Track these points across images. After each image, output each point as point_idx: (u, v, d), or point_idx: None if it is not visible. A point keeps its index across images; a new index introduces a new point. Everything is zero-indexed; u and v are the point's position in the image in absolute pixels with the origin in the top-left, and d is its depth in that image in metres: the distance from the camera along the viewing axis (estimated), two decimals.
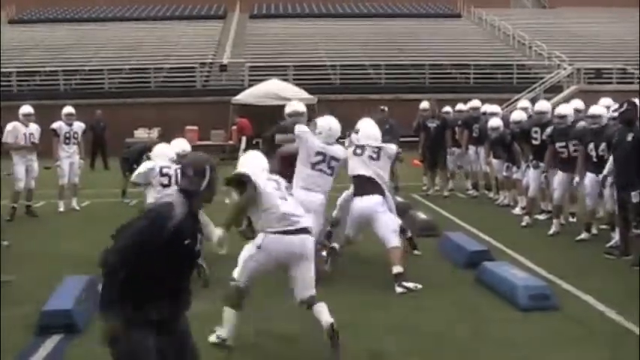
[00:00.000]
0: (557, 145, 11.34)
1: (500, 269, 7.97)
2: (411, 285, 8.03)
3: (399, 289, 7.94)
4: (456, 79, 33.45)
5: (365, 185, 8.59)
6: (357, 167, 8.74)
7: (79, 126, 15.43)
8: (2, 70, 32.59)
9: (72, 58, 35.67)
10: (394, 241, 8.24)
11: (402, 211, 13.13)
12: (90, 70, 33.86)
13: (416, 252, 9.84)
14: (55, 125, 15.01)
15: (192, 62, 34.33)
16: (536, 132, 12.34)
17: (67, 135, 15.02)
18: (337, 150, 8.61)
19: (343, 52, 36.23)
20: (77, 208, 15.14)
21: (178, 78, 33.67)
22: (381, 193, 8.48)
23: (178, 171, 7.81)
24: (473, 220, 12.59)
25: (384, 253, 8.44)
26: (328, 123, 8.69)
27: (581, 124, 11.12)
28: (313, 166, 8.38)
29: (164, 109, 30.89)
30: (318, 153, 8.45)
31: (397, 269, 8.07)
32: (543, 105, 12.94)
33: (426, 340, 6.51)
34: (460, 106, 17.17)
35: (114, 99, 30.94)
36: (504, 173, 14.07)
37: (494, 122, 14.09)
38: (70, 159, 14.99)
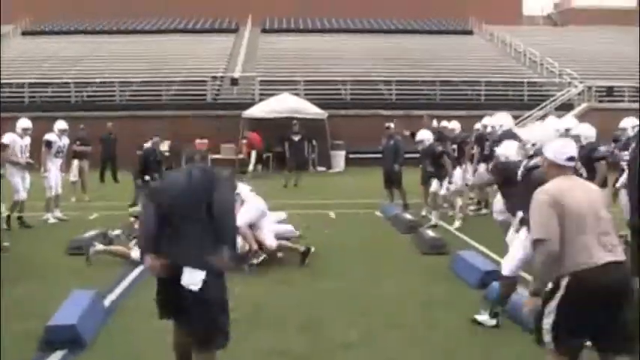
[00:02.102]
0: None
1: None
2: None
3: None
4: (466, 95, 33.39)
5: None
6: None
7: (66, 140, 15.85)
8: (14, 81, 32.83)
9: (84, 70, 35.81)
10: None
11: (411, 228, 13.16)
12: (101, 82, 33.97)
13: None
14: (50, 137, 15.16)
15: (203, 75, 34.39)
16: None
17: (59, 149, 15.28)
18: None
19: (354, 68, 36.25)
20: (64, 217, 15.29)
21: (190, 91, 33.74)
22: None
23: None
24: (482, 238, 12.38)
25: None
26: None
27: None
28: None
29: (175, 122, 30.89)
30: None
31: None
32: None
33: (437, 358, 6.50)
34: (478, 126, 16.54)
35: (125, 111, 30.98)
36: None
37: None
38: (57, 171, 15.20)
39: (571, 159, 5.05)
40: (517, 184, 7.65)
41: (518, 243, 7.32)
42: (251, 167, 26.59)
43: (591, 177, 9.45)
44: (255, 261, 10.15)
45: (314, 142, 29.78)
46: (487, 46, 43.03)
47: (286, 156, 24.29)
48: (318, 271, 10.03)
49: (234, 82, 34.00)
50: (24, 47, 41.29)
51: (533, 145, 7.82)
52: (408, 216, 14.41)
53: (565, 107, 30.68)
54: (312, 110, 29.92)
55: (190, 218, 5.21)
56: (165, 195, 5.37)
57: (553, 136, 7.76)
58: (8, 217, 13.83)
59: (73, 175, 18.55)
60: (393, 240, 12.82)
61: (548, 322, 4.67)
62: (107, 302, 8.24)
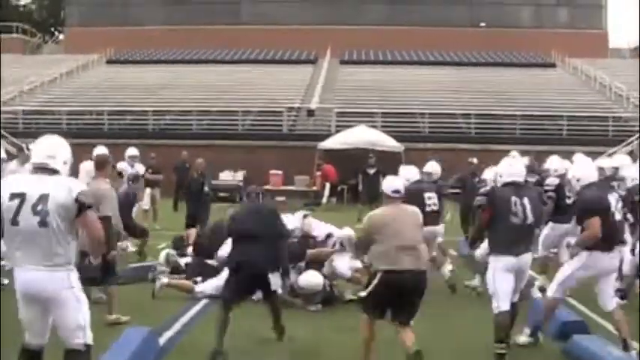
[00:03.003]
0: None
1: (593, 344, 7.20)
2: None
3: None
4: (548, 130, 32.46)
5: None
6: None
7: (139, 167, 15.92)
8: (95, 108, 33.42)
9: (163, 99, 36.18)
10: None
11: (486, 269, 12.45)
12: (179, 111, 34.23)
13: None
14: (121, 165, 14.98)
15: (280, 106, 34.30)
16: None
17: (130, 177, 15.08)
18: None
19: (433, 100, 35.70)
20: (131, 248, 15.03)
21: (266, 122, 33.69)
22: None
23: None
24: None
25: None
26: None
27: None
28: None
29: (250, 152, 30.86)
30: None
31: None
32: None
33: None
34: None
35: (201, 140, 31.06)
36: None
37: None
38: None
39: (396, 192, 7.39)
40: None
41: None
42: (324, 199, 26.25)
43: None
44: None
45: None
46: (570, 79, 41.87)
47: (360, 189, 23.82)
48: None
49: (310, 113, 33.82)
50: (106, 75, 42.05)
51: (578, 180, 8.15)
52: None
53: None
54: (388, 143, 29.45)
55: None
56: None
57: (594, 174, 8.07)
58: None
59: (145, 204, 18.45)
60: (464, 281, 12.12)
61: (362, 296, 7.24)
62: (163, 340, 7.90)
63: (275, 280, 8.18)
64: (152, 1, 50.89)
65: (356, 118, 32.01)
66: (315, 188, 27.75)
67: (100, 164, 9.69)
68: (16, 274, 5.43)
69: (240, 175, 29.33)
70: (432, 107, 34.21)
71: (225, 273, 9.74)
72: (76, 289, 5.48)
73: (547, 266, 11.69)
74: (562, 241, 11.06)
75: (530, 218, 7.52)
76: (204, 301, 10.10)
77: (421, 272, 7.09)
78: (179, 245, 13.33)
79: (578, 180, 7.93)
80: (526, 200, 7.54)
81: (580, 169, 8.12)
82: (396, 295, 6.97)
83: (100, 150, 14.36)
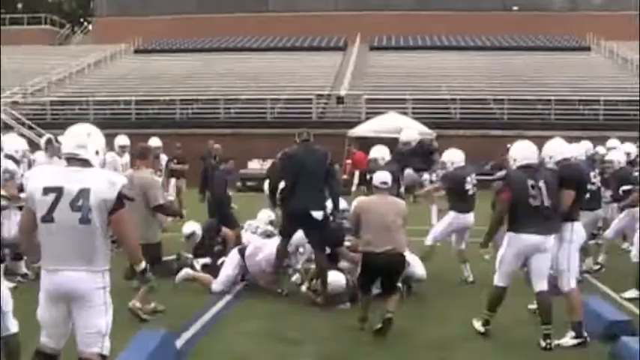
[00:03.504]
0: None
1: None
2: None
3: None
4: (584, 115, 31.67)
5: None
6: None
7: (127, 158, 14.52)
8: (122, 98, 33.22)
9: (190, 88, 35.90)
10: None
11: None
12: (207, 100, 33.89)
13: None
14: (110, 156, 13.90)
15: (309, 93, 33.80)
16: None
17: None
18: None
19: (464, 86, 35.02)
20: None
21: (295, 109, 33.24)
22: None
23: None
24: (607, 277, 10.84)
25: None
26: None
27: None
28: None
29: (278, 141, 30.29)
30: None
31: None
32: None
33: None
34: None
35: (229, 129, 30.66)
36: None
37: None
38: None
39: (384, 183, 8.42)
40: None
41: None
42: (354, 187, 25.68)
43: None
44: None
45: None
46: (606, 63, 40.93)
47: None
48: (417, 315, 8.90)
49: (340, 100, 33.29)
50: (134, 65, 41.93)
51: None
52: None
53: None
54: (420, 130, 28.88)
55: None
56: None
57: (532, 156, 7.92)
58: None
59: (170, 195, 18.04)
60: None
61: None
62: (180, 343, 7.45)
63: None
64: None
65: (386, 105, 31.41)
66: (345, 177, 27.17)
67: (143, 154, 9.53)
68: (48, 275, 4.96)
69: (268, 164, 28.83)
70: (463, 93, 33.56)
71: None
72: (108, 290, 5.04)
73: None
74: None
75: (547, 201, 7.45)
76: (225, 299, 9.62)
77: (397, 254, 8.11)
78: (211, 234, 12.55)
79: (514, 160, 7.78)
80: (542, 183, 7.48)
81: (516, 150, 7.86)
82: (377, 273, 8.22)
83: (123, 140, 13.99)
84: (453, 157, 11.12)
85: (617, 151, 12.31)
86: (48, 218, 4.87)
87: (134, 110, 33.14)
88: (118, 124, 28.21)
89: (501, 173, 8.98)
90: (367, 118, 30.80)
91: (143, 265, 5.26)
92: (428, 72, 37.86)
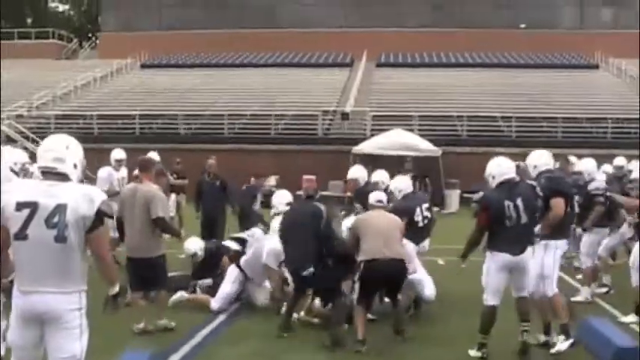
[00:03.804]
0: None
1: None
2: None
3: None
4: (591, 133, 31.38)
5: None
6: None
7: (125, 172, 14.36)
8: (126, 112, 33.12)
9: (195, 103, 35.80)
10: None
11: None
12: (211, 115, 33.74)
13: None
14: (105, 170, 13.63)
15: (314, 110, 33.60)
16: None
17: (109, 193, 13.80)
18: None
19: (471, 103, 34.76)
20: None
21: (299, 125, 33.04)
22: None
23: None
24: (617, 300, 10.36)
25: None
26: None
27: None
28: None
29: (283, 157, 30.19)
30: None
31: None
32: None
33: None
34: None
35: (233, 144, 30.47)
36: None
37: None
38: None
39: (379, 201, 8.91)
40: None
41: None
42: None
43: None
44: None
45: (427, 181, 28.36)
46: (614, 81, 40.65)
47: None
48: (424, 336, 8.62)
49: (344, 116, 33.09)
50: (139, 80, 41.82)
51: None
52: None
53: None
54: (425, 147, 28.65)
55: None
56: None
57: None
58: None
59: (170, 211, 17.77)
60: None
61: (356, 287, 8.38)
62: None
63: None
64: (187, 5, 50.59)
65: (391, 122, 31.20)
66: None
67: (144, 167, 9.39)
68: (19, 296, 4.65)
69: (272, 180, 28.59)
70: (470, 110, 33.30)
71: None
72: (83, 312, 4.73)
73: (597, 275, 11.05)
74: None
75: (525, 218, 7.58)
76: (218, 320, 9.34)
77: (397, 260, 8.16)
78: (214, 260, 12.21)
79: (493, 178, 7.88)
80: (519, 201, 7.58)
81: (493, 167, 7.99)
82: (378, 281, 8.22)
83: (119, 153, 13.72)
84: (400, 185, 10.60)
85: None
86: (21, 235, 4.58)
87: (138, 125, 32.99)
88: (122, 138, 28.17)
89: (478, 195, 8.87)
90: (372, 135, 30.58)
91: (117, 289, 4.97)
92: (434, 89, 37.63)
